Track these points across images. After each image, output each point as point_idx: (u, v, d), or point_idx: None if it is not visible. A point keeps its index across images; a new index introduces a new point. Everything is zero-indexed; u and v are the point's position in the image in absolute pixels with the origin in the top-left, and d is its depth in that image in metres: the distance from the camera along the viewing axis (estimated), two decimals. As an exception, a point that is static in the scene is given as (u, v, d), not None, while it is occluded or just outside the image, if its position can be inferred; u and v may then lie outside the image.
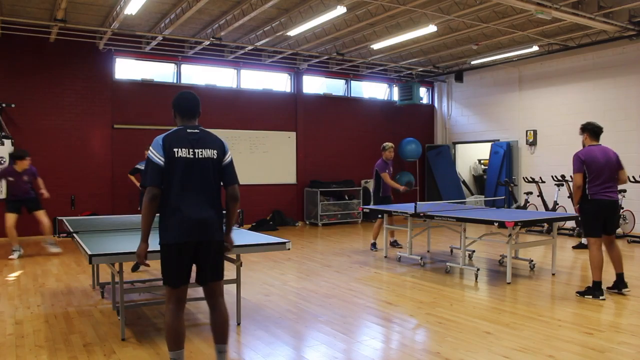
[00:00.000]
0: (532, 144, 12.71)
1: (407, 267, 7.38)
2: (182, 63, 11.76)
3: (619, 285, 5.72)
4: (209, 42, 10.46)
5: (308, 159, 13.22)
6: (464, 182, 15.16)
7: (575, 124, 11.40)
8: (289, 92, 13.18)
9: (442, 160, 14.71)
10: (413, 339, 4.44)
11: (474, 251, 8.07)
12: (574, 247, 8.95)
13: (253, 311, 5.13)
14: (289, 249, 4.75)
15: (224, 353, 3.43)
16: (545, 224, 9.94)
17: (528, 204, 11.40)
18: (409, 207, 7.58)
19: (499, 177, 12.94)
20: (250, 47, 11.03)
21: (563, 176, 10.41)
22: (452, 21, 9.38)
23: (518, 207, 11.53)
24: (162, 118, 10.96)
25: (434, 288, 6.12)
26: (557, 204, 10.85)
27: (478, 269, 6.69)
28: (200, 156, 3.32)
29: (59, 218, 6.01)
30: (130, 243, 4.47)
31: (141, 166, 9.44)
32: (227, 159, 3.44)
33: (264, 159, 12.57)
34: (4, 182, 9.31)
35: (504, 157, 13.07)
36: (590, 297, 5.54)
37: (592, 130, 5.74)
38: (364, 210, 10.23)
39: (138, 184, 9.52)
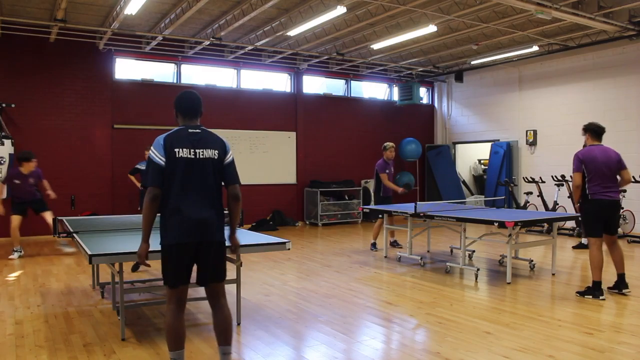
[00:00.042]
0: (532, 144, 12.71)
1: (407, 267, 7.38)
2: (182, 63, 11.76)
3: (620, 285, 5.71)
4: (209, 42, 10.47)
5: (308, 159, 13.22)
6: (464, 182, 15.16)
7: (575, 124, 11.54)
8: (289, 92, 13.18)
9: (442, 160, 14.71)
10: (413, 339, 4.44)
11: (474, 251, 8.07)
12: (574, 247, 8.96)
13: (253, 311, 5.13)
14: (289, 249, 4.75)
15: (228, 355, 3.39)
16: (545, 224, 9.94)
17: (528, 204, 11.40)
18: (409, 207, 7.58)
19: (499, 177, 12.95)
20: (250, 47, 11.04)
21: (563, 176, 10.42)
22: (452, 21, 9.38)
23: (518, 207, 11.53)
24: (162, 118, 10.97)
25: (434, 288, 6.12)
26: (557, 204, 10.85)
27: (478, 269, 6.69)
28: (201, 156, 3.31)
29: (59, 218, 6.02)
30: (130, 243, 4.47)
31: (141, 166, 9.44)
32: (228, 158, 3.43)
33: (264, 159, 12.57)
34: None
35: (504, 157, 13.08)
36: (590, 297, 5.54)
37: (593, 131, 5.76)
38: (364, 210, 10.24)
39: (138, 184, 9.54)
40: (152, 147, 3.28)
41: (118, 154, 10.82)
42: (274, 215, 12.47)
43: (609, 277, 6.04)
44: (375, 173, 8.74)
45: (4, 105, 9.72)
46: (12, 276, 6.86)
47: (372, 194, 9.25)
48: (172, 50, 11.17)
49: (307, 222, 12.97)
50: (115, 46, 10.65)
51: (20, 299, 5.63)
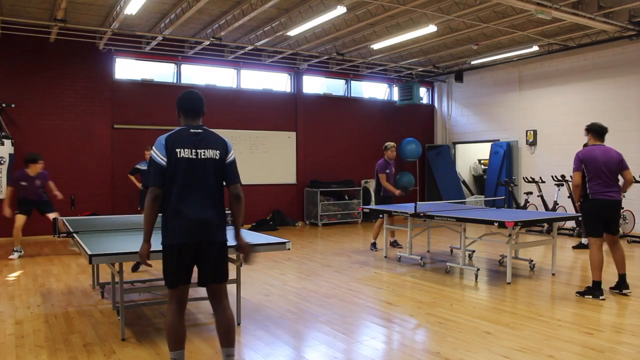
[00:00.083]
0: (532, 144, 12.71)
1: (407, 267, 7.38)
2: (182, 63, 11.76)
3: (621, 285, 5.71)
4: (209, 42, 10.47)
5: (308, 159, 13.22)
6: (464, 182, 15.17)
7: (575, 124, 11.58)
8: (289, 92, 13.18)
9: (442, 160, 14.71)
10: (413, 339, 4.44)
11: (474, 251, 8.08)
12: (574, 247, 8.96)
13: (253, 311, 5.13)
14: (289, 249, 4.75)
15: (232, 357, 3.37)
16: (545, 224, 9.94)
17: (528, 204, 11.40)
18: (409, 207, 7.58)
19: (499, 177, 12.95)
20: (250, 47, 11.04)
21: (563, 176, 10.42)
22: (452, 21, 9.38)
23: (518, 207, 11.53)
24: (162, 118, 10.97)
25: (434, 288, 6.12)
26: (557, 204, 10.85)
27: (478, 269, 6.69)
28: (202, 156, 3.30)
29: (59, 218, 6.02)
30: (130, 243, 4.47)
31: (141, 166, 9.45)
32: (230, 158, 3.41)
33: (264, 159, 12.57)
34: (4, 183, 9.32)
35: (504, 157, 13.08)
36: (590, 297, 5.54)
37: (595, 131, 5.77)
38: (364, 210, 10.24)
39: (138, 184, 9.54)
40: (153, 147, 3.28)
41: (118, 154, 10.82)
42: (274, 215, 12.47)
43: (609, 277, 6.05)
44: (375, 173, 8.74)
45: (4, 105, 9.73)
46: (12, 276, 6.86)
47: (373, 194, 9.24)
48: (172, 50, 11.17)
49: (307, 222, 12.97)
50: (115, 46, 10.65)
51: (20, 299, 5.63)
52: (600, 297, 5.49)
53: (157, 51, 11.04)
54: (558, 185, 10.68)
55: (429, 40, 10.82)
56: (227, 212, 3.45)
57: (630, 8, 8.81)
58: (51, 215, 8.15)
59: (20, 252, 8.19)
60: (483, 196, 14.05)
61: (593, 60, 11.45)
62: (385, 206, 8.30)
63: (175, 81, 11.79)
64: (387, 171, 8.68)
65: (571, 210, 10.27)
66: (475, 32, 10.29)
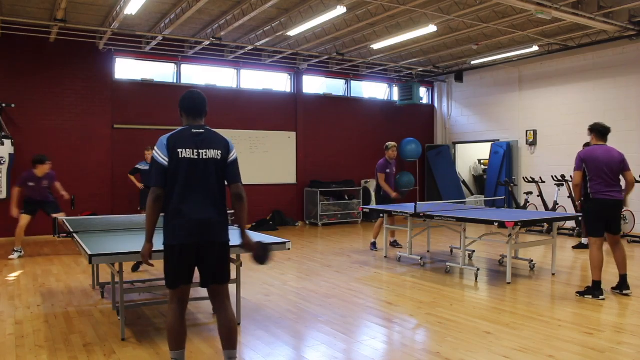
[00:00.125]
0: (532, 144, 12.71)
1: (407, 267, 7.38)
2: (182, 63, 11.76)
3: (622, 286, 5.71)
4: (209, 42, 10.46)
5: (308, 159, 13.22)
6: (464, 182, 15.17)
7: (575, 124, 11.59)
8: (289, 92, 13.18)
9: (442, 160, 14.71)
10: (413, 339, 4.44)
11: (474, 251, 8.07)
12: (574, 247, 8.96)
13: (253, 311, 5.13)
14: (289, 249, 4.75)
15: (234, 359, 3.37)
16: (545, 224, 9.94)
17: (528, 204, 11.40)
18: (409, 207, 7.58)
19: (499, 177, 12.95)
20: (250, 47, 11.04)
21: (563, 176, 10.41)
22: (452, 21, 9.38)
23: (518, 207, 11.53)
24: (162, 118, 10.98)
25: (434, 288, 6.12)
26: (557, 204, 10.85)
27: (478, 269, 6.69)
28: (204, 157, 3.29)
29: (60, 218, 6.02)
30: (130, 243, 4.48)
31: (141, 166, 9.45)
32: (231, 157, 3.39)
33: (264, 159, 12.57)
34: (4, 183, 9.32)
35: (504, 157, 13.08)
36: (590, 297, 5.54)
37: (598, 131, 5.77)
38: (364, 210, 10.24)
39: (138, 184, 9.54)
40: (155, 147, 3.28)
41: (118, 154, 10.82)
42: (274, 215, 12.47)
43: (609, 277, 6.05)
44: (375, 173, 8.74)
45: (4, 105, 9.73)
46: (12, 276, 6.86)
47: (373, 194, 9.24)
48: (172, 50, 11.17)
49: (307, 222, 12.97)
50: (115, 46, 10.65)
51: (20, 299, 5.63)
52: (600, 297, 5.49)
53: (157, 51, 11.04)
54: (558, 185, 10.68)
55: (429, 40, 10.82)
56: (229, 212, 3.44)
57: (630, 8, 8.81)
58: (58, 216, 8.16)
59: (21, 252, 8.18)
60: (483, 196, 14.05)
61: (593, 60, 11.45)
62: (385, 206, 8.30)
63: (175, 81, 11.79)
64: (387, 171, 8.68)
65: (571, 211, 10.28)
66: (475, 32, 10.29)
